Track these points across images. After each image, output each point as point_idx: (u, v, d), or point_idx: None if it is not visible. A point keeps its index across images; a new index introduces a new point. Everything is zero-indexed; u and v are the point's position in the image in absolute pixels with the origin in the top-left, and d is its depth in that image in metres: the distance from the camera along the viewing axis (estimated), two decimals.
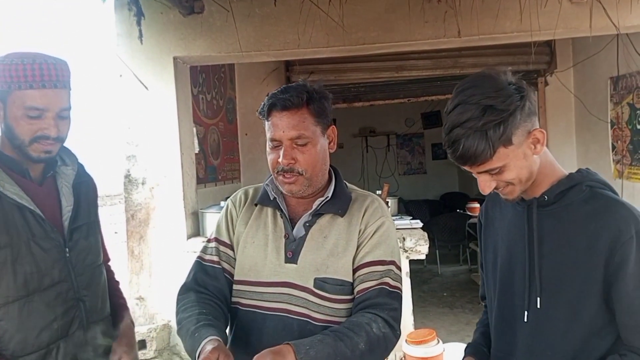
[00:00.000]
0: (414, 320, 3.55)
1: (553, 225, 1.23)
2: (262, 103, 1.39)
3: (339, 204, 1.43)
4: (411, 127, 9.36)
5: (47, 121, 1.35)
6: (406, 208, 7.89)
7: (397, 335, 1.35)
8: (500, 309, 1.35)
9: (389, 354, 1.37)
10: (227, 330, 1.49)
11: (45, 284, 1.36)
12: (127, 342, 1.51)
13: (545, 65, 5.00)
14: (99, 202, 1.75)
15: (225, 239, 1.49)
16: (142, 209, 3.57)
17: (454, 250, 7.11)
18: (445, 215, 6.92)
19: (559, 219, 1.22)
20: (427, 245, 3.41)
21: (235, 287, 1.46)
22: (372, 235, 1.40)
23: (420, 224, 3.73)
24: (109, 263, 1.73)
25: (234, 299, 1.46)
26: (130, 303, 3.63)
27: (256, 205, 1.49)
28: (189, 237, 3.54)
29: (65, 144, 1.55)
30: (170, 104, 3.48)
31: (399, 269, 1.42)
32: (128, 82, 3.44)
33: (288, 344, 1.21)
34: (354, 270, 1.39)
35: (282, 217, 1.45)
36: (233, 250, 1.48)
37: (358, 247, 1.39)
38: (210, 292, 1.44)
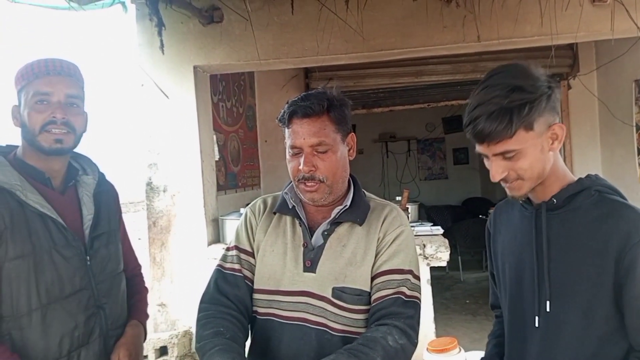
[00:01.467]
0: (436, 328, 3.52)
1: (561, 229, 1.22)
2: (282, 110, 1.39)
3: (358, 213, 1.43)
4: (432, 132, 9.29)
5: (53, 106, 1.39)
6: (427, 214, 7.83)
7: (415, 344, 1.34)
8: (511, 316, 1.34)
9: None
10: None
11: (66, 292, 1.38)
12: (126, 341, 1.52)
13: (568, 69, 4.92)
14: (124, 208, 1.79)
15: (246, 246, 1.49)
16: (164, 216, 3.61)
17: (477, 256, 7.01)
18: (468, 221, 6.83)
19: (568, 223, 1.22)
20: (448, 252, 3.38)
21: (256, 296, 1.46)
22: (390, 244, 1.39)
23: (441, 231, 3.69)
24: (140, 270, 1.75)
25: (252, 307, 1.47)
26: (152, 309, 3.69)
27: (275, 213, 1.48)
28: (209, 244, 3.57)
29: (87, 155, 1.60)
30: (190, 112, 3.52)
31: (417, 278, 1.40)
32: (149, 92, 3.50)
33: None
34: (372, 278, 1.38)
35: (300, 226, 1.45)
36: (254, 258, 1.48)
37: (376, 255, 1.39)
38: (231, 302, 1.44)
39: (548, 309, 1.21)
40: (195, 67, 3.51)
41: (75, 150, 1.51)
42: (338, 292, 1.36)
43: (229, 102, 4.46)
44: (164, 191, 3.61)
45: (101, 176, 1.61)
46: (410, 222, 4.13)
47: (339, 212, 1.42)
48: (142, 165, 3.62)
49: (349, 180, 1.48)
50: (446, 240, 3.49)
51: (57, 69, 1.41)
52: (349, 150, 1.43)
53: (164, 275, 3.64)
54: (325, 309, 1.37)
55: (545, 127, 1.16)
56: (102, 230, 1.51)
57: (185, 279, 3.57)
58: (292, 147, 1.36)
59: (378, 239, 1.40)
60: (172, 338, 3.42)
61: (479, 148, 1.19)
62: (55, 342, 1.36)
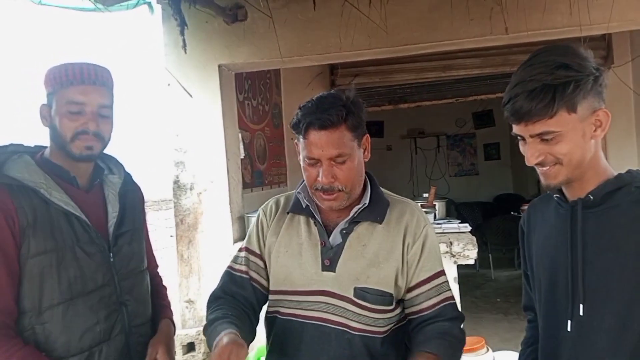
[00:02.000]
0: (465, 328, 3.46)
1: (599, 228, 1.14)
2: (296, 117, 1.36)
3: (377, 211, 1.41)
4: (462, 128, 9.14)
5: (86, 116, 1.41)
6: (457, 210, 7.71)
7: (465, 335, 1.44)
8: (545, 320, 1.28)
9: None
10: (265, 341, 1.51)
11: (89, 287, 1.40)
12: (163, 339, 1.53)
13: (602, 60, 4.75)
14: (155, 206, 1.82)
15: (255, 248, 1.50)
16: (191, 214, 3.66)
17: (509, 254, 6.87)
18: (499, 217, 6.71)
19: (606, 222, 1.14)
20: (476, 250, 3.31)
21: (272, 297, 1.46)
22: (422, 250, 1.39)
23: (469, 228, 3.62)
24: (157, 270, 1.77)
25: (272, 309, 1.47)
26: (180, 306, 3.74)
27: (288, 213, 1.47)
28: (235, 241, 3.59)
29: (113, 155, 1.63)
30: (216, 110, 3.55)
31: (445, 273, 1.44)
32: (176, 91, 3.54)
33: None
34: (411, 288, 1.39)
35: (315, 225, 1.43)
36: (263, 260, 1.49)
37: (409, 262, 1.39)
38: (238, 300, 1.46)
39: (581, 314, 1.15)
40: (220, 66, 3.53)
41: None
42: (361, 292, 1.35)
43: (255, 101, 4.48)
44: (191, 189, 3.65)
45: (127, 176, 1.63)
46: (438, 219, 4.07)
47: (358, 211, 1.40)
48: (170, 163, 3.67)
49: (366, 177, 1.46)
50: (474, 238, 3.42)
51: (92, 77, 1.43)
52: (364, 151, 1.40)
53: (191, 272, 3.68)
54: (347, 309, 1.36)
55: (590, 112, 1.09)
56: (126, 229, 1.53)
57: (212, 276, 3.59)
58: (309, 157, 1.33)
59: (407, 245, 1.39)
60: (199, 334, 3.45)
61: (515, 129, 1.12)
62: (77, 337, 1.38)
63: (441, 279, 1.40)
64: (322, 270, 1.38)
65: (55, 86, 1.42)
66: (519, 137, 1.15)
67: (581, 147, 1.10)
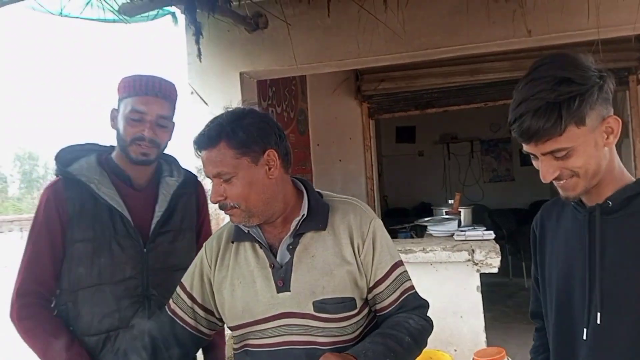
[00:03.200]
0: (493, 337, 3.37)
1: (617, 235, 1.12)
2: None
3: (318, 218, 1.37)
4: (497, 132, 8.94)
5: (145, 124, 1.56)
6: (491, 217, 7.54)
7: (432, 325, 1.39)
8: (558, 327, 1.24)
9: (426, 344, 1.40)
10: None
11: (116, 277, 1.56)
12: None
13: (637, 62, 4.57)
14: None
15: (187, 285, 1.46)
16: (213, 220, 3.69)
17: None
18: None
19: (624, 229, 1.11)
20: (499, 258, 3.22)
21: (235, 333, 1.42)
22: (373, 248, 1.36)
23: (493, 235, 3.53)
24: None
25: (238, 344, 1.42)
26: None
27: (232, 242, 1.42)
28: None
29: (176, 157, 1.78)
30: None
31: (402, 263, 1.42)
32: (199, 99, 3.60)
33: (348, 354, 1.23)
34: (371, 288, 1.36)
35: (261, 248, 1.38)
36: (191, 298, 1.44)
37: (365, 264, 1.35)
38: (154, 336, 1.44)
39: (598, 322, 1.11)
40: (241, 74, 3.57)
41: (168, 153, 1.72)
42: (320, 305, 1.31)
43: (279, 107, 4.51)
44: None
45: (188, 179, 1.76)
46: (463, 227, 3.99)
47: (298, 223, 1.35)
48: (192, 170, 3.73)
49: (298, 187, 1.42)
50: (497, 246, 3.33)
51: (155, 89, 1.58)
52: (269, 169, 1.31)
53: None
54: (310, 326, 1.32)
55: (599, 121, 1.07)
56: (170, 228, 1.66)
57: None
58: (206, 176, 1.34)
59: (357, 246, 1.35)
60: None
61: (526, 147, 1.11)
62: (97, 319, 1.55)
63: (398, 271, 1.38)
64: (278, 292, 1.33)
65: (124, 94, 1.59)
66: (531, 155, 1.13)
67: (595, 157, 1.09)
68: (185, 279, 1.47)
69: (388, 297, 1.36)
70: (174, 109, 1.66)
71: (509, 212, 7.82)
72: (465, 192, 5.05)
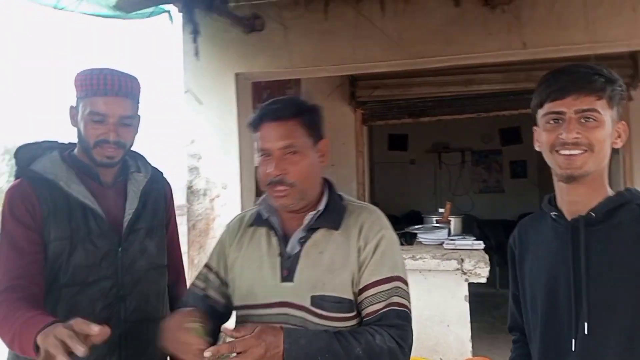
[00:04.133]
0: (479, 348, 3.37)
1: (601, 246, 1.13)
2: (252, 116, 1.38)
3: (333, 217, 1.38)
4: (488, 144, 9.00)
5: (107, 126, 1.47)
6: (480, 228, 7.56)
7: (405, 353, 1.29)
8: (544, 340, 1.24)
9: None
10: None
11: (91, 278, 1.48)
12: None
13: (629, 79, 4.62)
14: (179, 211, 1.86)
15: (214, 264, 1.49)
16: (203, 220, 3.69)
17: None
18: None
19: (608, 240, 1.13)
20: (488, 268, 3.24)
21: (238, 313, 1.44)
22: (373, 252, 1.34)
23: (482, 245, 3.55)
24: (182, 271, 1.81)
25: (240, 325, 1.42)
26: None
27: (251, 226, 1.46)
28: None
29: (142, 154, 1.70)
30: (231, 118, 3.59)
31: (406, 283, 1.36)
32: (192, 98, 3.59)
33: (281, 327, 1.21)
34: (360, 291, 1.34)
35: (275, 236, 1.41)
36: (219, 278, 1.47)
37: (360, 266, 1.34)
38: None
39: (586, 332, 1.12)
40: (237, 75, 3.57)
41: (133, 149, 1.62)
42: (317, 301, 1.32)
43: None
44: (204, 195, 3.68)
45: (155, 174, 1.69)
46: (452, 236, 4.00)
47: (312, 218, 1.38)
48: (184, 169, 3.72)
49: (323, 184, 1.44)
50: (486, 256, 3.35)
51: (115, 88, 1.47)
52: (320, 156, 1.39)
53: None
54: (305, 319, 1.33)
55: (617, 118, 1.12)
56: (141, 225, 1.58)
57: None
58: (262, 149, 1.34)
59: (359, 248, 1.35)
60: None
61: (554, 105, 1.13)
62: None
63: (393, 284, 1.32)
64: (281, 281, 1.36)
65: (81, 92, 1.48)
66: (552, 117, 1.14)
67: (606, 147, 1.13)
68: (210, 259, 1.51)
69: (372, 304, 1.32)
70: (138, 103, 1.56)
71: (497, 223, 7.85)
72: (455, 202, 5.06)
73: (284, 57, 3.45)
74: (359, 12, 3.00)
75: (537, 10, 3.01)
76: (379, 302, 1.31)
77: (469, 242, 3.63)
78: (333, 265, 1.34)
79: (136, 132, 1.58)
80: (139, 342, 1.53)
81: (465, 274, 3.26)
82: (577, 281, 1.15)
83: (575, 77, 1.11)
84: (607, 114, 1.10)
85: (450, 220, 4.10)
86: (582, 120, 1.10)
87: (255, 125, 1.36)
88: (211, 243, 3.68)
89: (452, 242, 3.63)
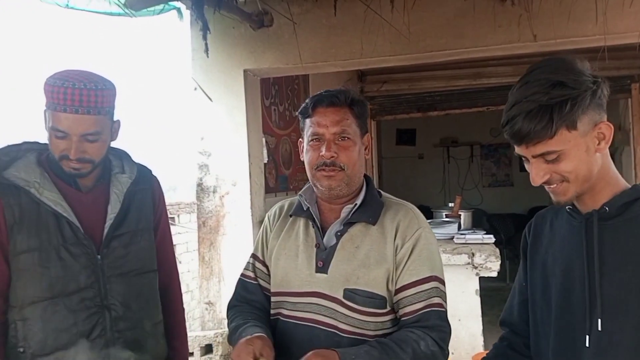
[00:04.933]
0: (489, 342, 3.36)
1: (615, 240, 1.12)
2: (305, 103, 1.43)
3: (370, 212, 1.41)
4: (497, 137, 8.94)
5: (69, 143, 1.40)
6: (489, 222, 7.54)
7: (445, 355, 1.33)
8: (558, 334, 1.23)
9: None
10: None
11: (70, 288, 1.41)
12: None
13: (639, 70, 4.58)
14: (188, 208, 1.83)
15: (259, 254, 1.54)
16: (213, 217, 3.70)
17: None
18: None
19: (622, 234, 1.11)
20: (499, 262, 3.23)
21: (273, 299, 1.48)
22: (411, 252, 1.36)
23: (493, 239, 3.54)
24: (174, 273, 1.74)
25: (274, 311, 1.48)
26: (200, 308, 3.78)
27: (290, 216, 1.50)
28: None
29: (126, 151, 1.62)
30: (240, 114, 3.58)
31: (443, 283, 1.38)
32: (201, 95, 3.59)
33: (335, 350, 1.22)
34: (398, 290, 1.36)
35: (313, 227, 1.44)
36: (266, 266, 1.51)
37: (397, 265, 1.36)
38: (253, 307, 1.49)
39: (600, 328, 1.11)
40: (245, 71, 3.56)
41: (117, 147, 1.56)
42: (350, 294, 1.35)
43: (282, 106, 4.50)
44: (214, 192, 3.69)
45: (140, 174, 1.60)
46: (463, 230, 3.99)
47: (350, 212, 1.41)
48: (194, 166, 3.73)
49: (363, 179, 1.48)
50: (497, 250, 3.34)
51: (76, 104, 1.36)
52: (365, 148, 1.45)
53: (212, 274, 3.72)
54: (336, 311, 1.36)
55: (591, 126, 1.07)
56: (125, 230, 1.51)
57: (232, 279, 3.57)
58: (314, 134, 1.38)
59: (396, 246, 1.37)
60: (217, 337, 3.48)
61: (518, 150, 1.12)
62: (52, 337, 1.39)
63: (432, 284, 1.35)
64: (316, 271, 1.39)
65: (47, 103, 1.41)
66: (522, 158, 1.14)
67: (586, 162, 1.09)
68: (256, 249, 1.55)
69: (411, 304, 1.34)
70: (107, 115, 1.45)
71: (507, 217, 7.83)
72: (464, 196, 5.04)
73: (292, 52, 3.44)
74: (368, 6, 2.98)
75: (547, 2, 2.97)
76: (418, 302, 1.33)
77: (480, 236, 3.63)
78: (368, 260, 1.36)
79: (107, 143, 1.49)
80: (132, 351, 1.49)
81: (476, 268, 3.26)
82: (591, 276, 1.14)
83: (521, 123, 1.06)
84: (571, 138, 1.06)
85: (460, 215, 4.09)
86: (546, 159, 1.09)
87: (308, 111, 1.41)
88: (221, 240, 3.69)
89: (462, 236, 3.63)
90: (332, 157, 1.36)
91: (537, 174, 1.11)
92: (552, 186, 1.12)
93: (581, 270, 1.16)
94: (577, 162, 1.08)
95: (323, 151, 1.36)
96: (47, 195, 1.41)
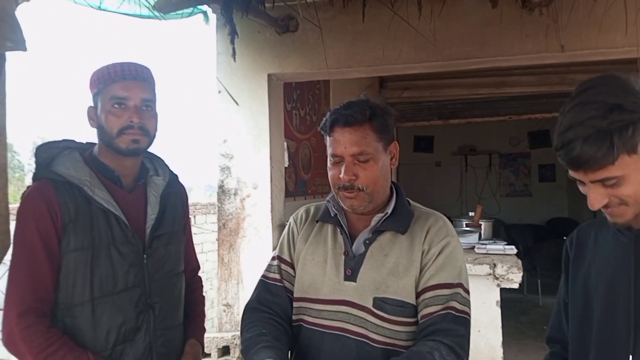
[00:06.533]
0: (508, 354, 3.32)
1: None
2: (324, 119, 1.39)
3: (400, 221, 1.40)
4: (516, 147, 8.88)
5: (130, 110, 1.44)
6: (507, 232, 7.47)
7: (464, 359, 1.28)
8: (598, 353, 1.20)
9: None
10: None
11: (119, 287, 1.43)
12: None
13: None
14: (204, 209, 1.84)
15: (286, 256, 1.51)
16: (233, 219, 3.71)
17: (559, 280, 6.56)
18: (551, 241, 6.45)
19: None
20: (521, 274, 3.19)
21: (296, 304, 1.46)
22: (436, 257, 1.34)
23: (515, 250, 3.49)
24: (197, 273, 1.78)
25: (296, 317, 1.46)
26: (218, 309, 3.80)
27: (317, 222, 1.49)
28: (274, 248, 3.61)
29: (160, 156, 1.65)
30: (263, 118, 3.60)
31: (467, 292, 1.35)
32: (225, 98, 3.62)
33: None
34: (419, 294, 1.34)
35: (342, 234, 1.43)
36: (293, 269, 1.49)
37: (422, 269, 1.34)
38: (274, 311, 1.46)
39: None
40: (269, 75, 3.58)
41: (151, 151, 1.57)
42: (379, 303, 1.33)
43: (303, 110, 4.51)
44: (235, 194, 3.71)
45: (172, 178, 1.65)
46: (483, 240, 3.95)
47: (380, 221, 1.39)
48: (216, 168, 3.75)
49: (391, 188, 1.46)
50: (519, 261, 3.29)
51: (133, 73, 1.45)
52: (391, 159, 1.42)
53: (230, 276, 3.73)
54: (366, 320, 1.34)
55: None
56: (164, 231, 1.54)
57: (251, 282, 3.62)
58: (333, 155, 1.36)
59: (423, 252, 1.35)
60: (234, 339, 3.49)
61: (573, 174, 1.08)
62: (102, 335, 1.40)
63: (455, 290, 1.32)
64: (344, 279, 1.38)
65: (99, 86, 1.46)
66: (577, 181, 1.10)
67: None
68: (282, 251, 1.53)
69: (429, 307, 1.31)
70: (155, 93, 1.52)
71: (525, 228, 7.75)
72: (483, 205, 5.01)
73: (317, 58, 3.45)
74: (395, 12, 2.98)
75: (575, 13, 2.94)
76: (436, 304, 1.30)
77: (501, 247, 3.58)
78: (397, 268, 1.35)
79: (157, 122, 1.52)
80: (169, 349, 1.53)
81: (497, 279, 3.22)
82: (637, 294, 1.11)
83: (580, 149, 1.03)
84: (631, 162, 1.02)
85: (480, 224, 4.05)
86: (606, 184, 1.05)
87: (327, 129, 1.38)
88: (241, 242, 3.71)
89: (483, 246, 3.59)
90: (351, 180, 1.33)
91: (596, 199, 1.07)
92: (609, 209, 1.09)
93: (627, 287, 1.13)
94: (637, 185, 1.04)
95: (342, 173, 1.34)
96: (98, 194, 1.43)
